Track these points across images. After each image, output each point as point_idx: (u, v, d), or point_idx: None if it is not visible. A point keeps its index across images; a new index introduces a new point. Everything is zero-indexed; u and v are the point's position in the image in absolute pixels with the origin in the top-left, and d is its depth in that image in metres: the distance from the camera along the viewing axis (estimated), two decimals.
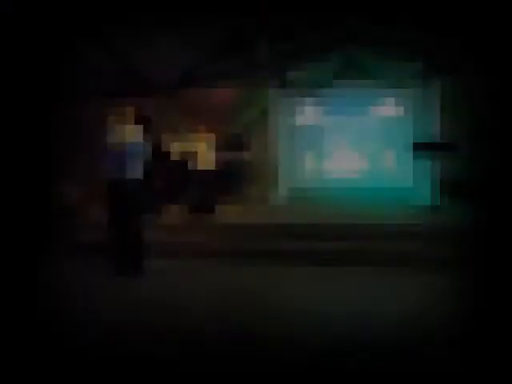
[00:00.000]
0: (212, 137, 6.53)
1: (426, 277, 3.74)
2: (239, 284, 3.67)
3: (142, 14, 5.68)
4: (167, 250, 4.68)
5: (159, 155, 6.65)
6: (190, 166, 6.25)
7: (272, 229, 4.81)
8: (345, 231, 4.56)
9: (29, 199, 5.82)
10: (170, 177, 6.95)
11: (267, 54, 7.13)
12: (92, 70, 7.01)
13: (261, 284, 3.64)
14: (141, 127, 3.98)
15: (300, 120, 8.40)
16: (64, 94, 3.70)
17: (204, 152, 6.26)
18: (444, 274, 3.77)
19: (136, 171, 3.88)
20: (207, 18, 6.00)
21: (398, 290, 3.43)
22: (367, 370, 2.14)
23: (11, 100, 7.01)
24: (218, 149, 6.92)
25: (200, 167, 6.13)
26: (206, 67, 7.80)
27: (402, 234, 4.45)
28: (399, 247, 4.27)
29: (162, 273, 4.09)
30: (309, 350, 2.38)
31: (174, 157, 6.71)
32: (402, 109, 7.89)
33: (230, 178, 8.17)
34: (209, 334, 2.64)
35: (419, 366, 2.14)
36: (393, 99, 7.90)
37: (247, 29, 6.24)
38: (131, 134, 3.79)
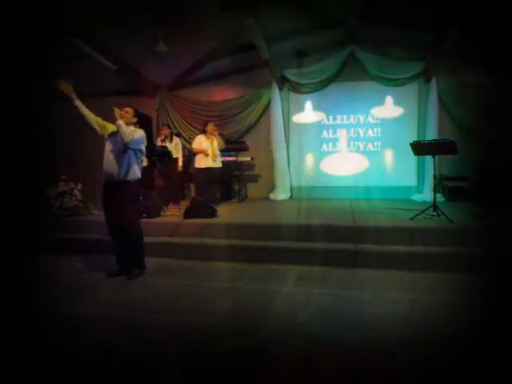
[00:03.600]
0: (215, 135, 6.53)
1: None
2: (239, 283, 3.66)
3: (142, 13, 5.64)
4: (167, 250, 4.68)
5: (160, 154, 6.63)
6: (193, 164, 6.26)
7: (274, 229, 4.78)
8: (346, 232, 4.54)
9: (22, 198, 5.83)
10: (172, 175, 6.92)
11: (268, 53, 7.09)
12: (91, 70, 7.01)
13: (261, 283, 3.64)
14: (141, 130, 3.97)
15: (302, 119, 8.37)
16: (62, 92, 3.65)
17: (212, 150, 6.27)
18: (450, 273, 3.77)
19: (135, 171, 3.86)
20: (208, 18, 5.96)
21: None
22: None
23: (7, 99, 7.01)
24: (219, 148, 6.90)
25: (203, 166, 6.16)
26: (207, 66, 7.79)
27: (405, 232, 4.43)
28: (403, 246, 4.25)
29: (162, 273, 4.09)
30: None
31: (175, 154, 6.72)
32: (402, 108, 7.86)
33: (230, 177, 8.15)
34: (208, 334, 2.63)
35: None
36: (393, 98, 7.86)
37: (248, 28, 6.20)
38: (130, 133, 3.76)
